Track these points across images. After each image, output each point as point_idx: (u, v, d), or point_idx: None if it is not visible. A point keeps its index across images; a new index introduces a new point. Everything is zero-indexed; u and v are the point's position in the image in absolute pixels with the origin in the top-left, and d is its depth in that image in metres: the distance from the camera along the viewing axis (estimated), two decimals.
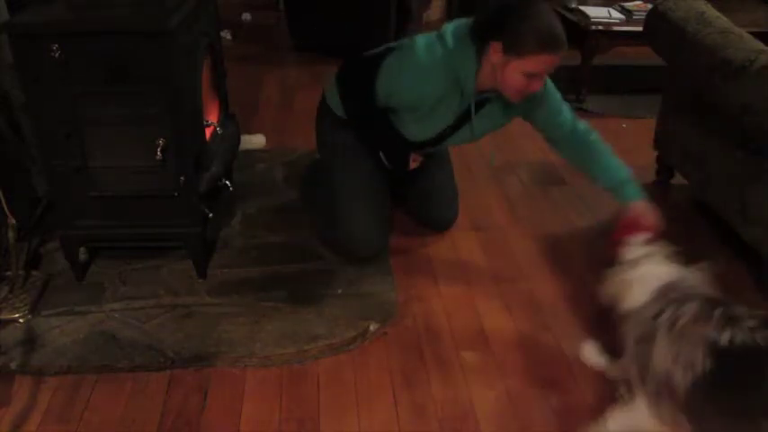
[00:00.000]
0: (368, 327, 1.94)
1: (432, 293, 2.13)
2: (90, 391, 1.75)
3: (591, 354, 1.85)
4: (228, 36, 4.49)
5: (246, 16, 5.03)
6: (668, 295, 1.51)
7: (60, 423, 1.66)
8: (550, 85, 2.05)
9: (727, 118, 2.12)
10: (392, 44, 2.06)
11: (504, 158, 2.97)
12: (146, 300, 2.03)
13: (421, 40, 1.96)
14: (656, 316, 1.48)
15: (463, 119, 2.05)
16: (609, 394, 1.73)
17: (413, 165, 2.19)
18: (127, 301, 2.03)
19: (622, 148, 3.08)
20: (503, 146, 3.10)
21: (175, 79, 1.84)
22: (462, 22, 1.94)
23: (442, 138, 2.12)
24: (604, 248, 1.88)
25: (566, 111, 2.10)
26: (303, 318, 1.97)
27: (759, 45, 2.05)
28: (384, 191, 2.25)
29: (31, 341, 1.86)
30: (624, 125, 3.35)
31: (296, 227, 2.39)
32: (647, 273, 1.59)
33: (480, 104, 2.02)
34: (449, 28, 1.94)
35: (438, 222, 2.43)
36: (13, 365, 1.79)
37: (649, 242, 1.71)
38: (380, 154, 2.15)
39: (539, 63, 1.81)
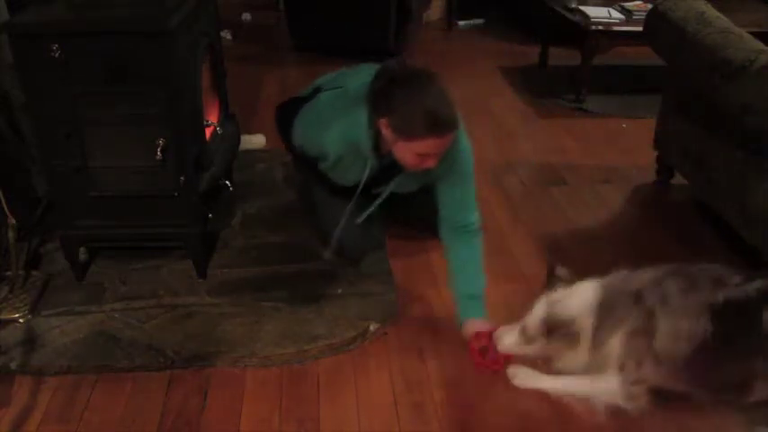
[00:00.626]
0: (368, 327, 1.94)
1: (432, 293, 2.13)
2: (90, 391, 1.75)
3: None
4: (228, 36, 4.49)
5: (246, 16, 5.03)
6: (629, 284, 1.59)
7: (60, 423, 1.66)
8: (467, 169, 1.97)
9: (728, 118, 2.12)
10: (321, 83, 2.10)
11: (504, 158, 2.97)
12: (146, 300, 2.03)
13: (326, 96, 1.99)
14: (638, 301, 1.56)
15: (383, 174, 1.98)
16: None
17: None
18: (127, 301, 2.03)
19: (622, 148, 3.11)
20: (503, 146, 3.11)
21: (175, 79, 1.84)
22: (370, 78, 1.86)
23: (368, 187, 2.05)
24: (476, 366, 1.83)
25: (470, 199, 2.01)
26: (303, 318, 1.97)
27: (759, 45, 2.05)
28: (361, 199, 2.22)
29: (31, 341, 1.86)
30: (624, 125, 3.35)
31: (296, 227, 2.39)
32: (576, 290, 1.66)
33: (394, 165, 1.92)
34: (354, 86, 1.90)
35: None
36: (13, 365, 1.79)
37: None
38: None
39: (427, 146, 1.74)
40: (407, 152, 1.78)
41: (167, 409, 1.70)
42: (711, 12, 2.29)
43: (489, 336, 1.78)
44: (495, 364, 1.79)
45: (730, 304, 1.47)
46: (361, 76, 1.94)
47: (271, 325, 1.94)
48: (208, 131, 2.19)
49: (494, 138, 3.18)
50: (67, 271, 2.11)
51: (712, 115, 2.27)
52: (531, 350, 1.69)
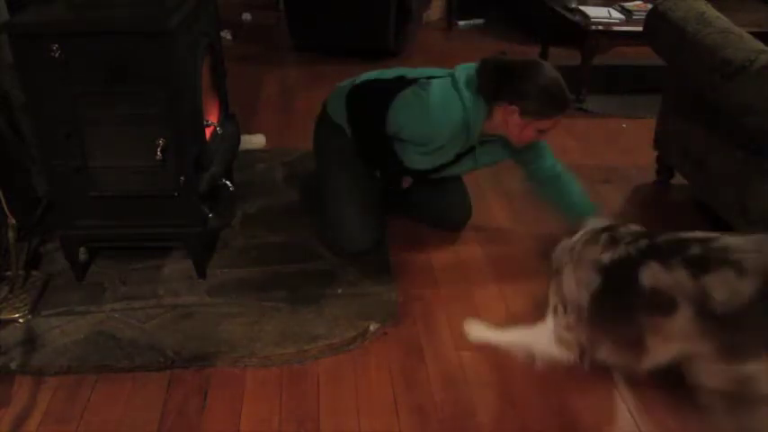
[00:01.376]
0: (368, 327, 1.94)
1: (432, 293, 2.13)
2: (90, 391, 1.75)
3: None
4: (228, 36, 4.49)
5: (246, 16, 5.03)
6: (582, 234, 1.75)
7: (60, 423, 1.66)
8: None
9: (728, 118, 2.12)
10: (403, 72, 2.15)
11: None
12: (146, 300, 2.04)
13: (439, 85, 2.05)
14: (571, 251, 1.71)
15: (462, 156, 2.18)
16: (608, 394, 1.73)
17: (405, 184, 2.31)
18: (127, 301, 2.03)
19: (622, 148, 3.12)
20: None
21: (175, 79, 1.84)
22: (473, 71, 2.04)
23: (439, 170, 2.21)
24: None
25: (549, 154, 2.23)
26: (303, 318, 1.97)
27: (759, 45, 2.05)
28: (374, 194, 2.29)
29: (31, 341, 1.87)
30: (624, 125, 3.35)
31: (296, 227, 2.39)
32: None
33: (481, 144, 2.16)
34: (462, 77, 2.04)
35: (449, 217, 2.43)
36: (13, 365, 1.79)
37: None
38: (377, 171, 2.27)
39: (551, 123, 2.01)
40: (530, 131, 2.01)
41: (167, 409, 1.70)
42: (711, 12, 2.29)
43: None
44: None
45: (614, 262, 1.56)
46: (458, 69, 2.09)
47: (271, 325, 1.94)
48: (208, 131, 2.19)
49: None
50: (67, 271, 2.11)
51: (712, 115, 2.27)
52: None
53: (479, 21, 5.03)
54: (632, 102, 3.57)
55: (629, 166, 2.90)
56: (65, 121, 1.85)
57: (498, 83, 1.97)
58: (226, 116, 2.47)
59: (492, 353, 1.89)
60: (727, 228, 2.27)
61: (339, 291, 2.09)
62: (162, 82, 1.82)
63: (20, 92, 1.97)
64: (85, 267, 2.15)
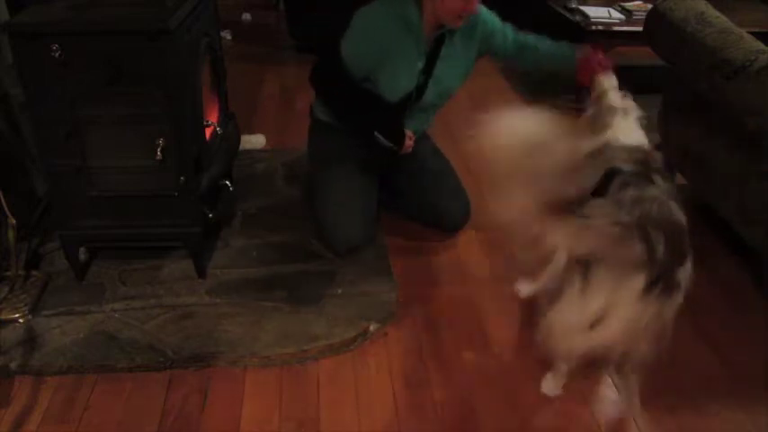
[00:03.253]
0: (368, 327, 1.94)
1: (432, 293, 2.13)
2: (90, 391, 1.75)
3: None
4: (228, 36, 4.49)
5: (246, 16, 5.03)
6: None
7: (60, 423, 1.66)
8: (488, 14, 2.26)
9: (728, 118, 2.12)
10: None
11: None
12: (146, 300, 2.04)
13: (369, 7, 2.12)
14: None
15: (429, 66, 2.16)
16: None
17: (408, 143, 2.21)
18: (127, 301, 2.03)
19: None
20: None
21: (175, 79, 1.84)
22: None
23: (421, 90, 2.18)
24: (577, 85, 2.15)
25: (509, 29, 2.32)
26: (303, 318, 1.97)
27: (759, 45, 2.05)
28: (367, 191, 2.31)
29: (31, 341, 1.87)
30: None
31: (296, 227, 2.39)
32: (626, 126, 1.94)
33: (438, 48, 2.15)
34: None
35: (447, 215, 2.39)
36: (13, 365, 1.79)
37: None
38: (377, 136, 2.17)
39: None
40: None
41: (167, 409, 1.70)
42: (711, 12, 2.29)
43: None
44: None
45: None
46: None
47: (271, 325, 1.94)
48: (208, 131, 2.19)
49: None
50: (67, 271, 2.11)
51: (712, 115, 2.27)
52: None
53: None
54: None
55: None
56: (65, 121, 1.85)
57: None
58: (226, 116, 2.47)
59: (492, 352, 1.89)
60: (727, 228, 2.27)
61: (339, 291, 2.09)
62: (162, 82, 1.82)
63: (20, 92, 1.97)
64: (85, 267, 2.15)
